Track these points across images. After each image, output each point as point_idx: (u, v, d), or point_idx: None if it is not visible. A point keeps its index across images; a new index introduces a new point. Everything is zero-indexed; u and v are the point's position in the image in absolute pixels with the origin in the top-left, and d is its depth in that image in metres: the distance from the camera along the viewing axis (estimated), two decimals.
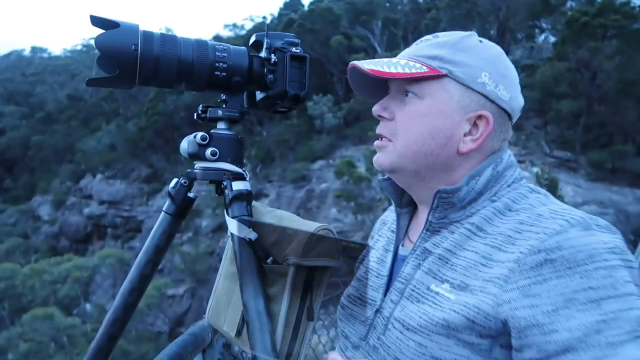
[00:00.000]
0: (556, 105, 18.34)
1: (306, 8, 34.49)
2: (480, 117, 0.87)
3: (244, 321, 1.00)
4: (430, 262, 0.87)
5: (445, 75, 0.87)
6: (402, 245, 0.98)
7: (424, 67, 0.87)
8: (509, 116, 0.90)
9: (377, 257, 1.01)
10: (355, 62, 0.92)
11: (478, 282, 0.79)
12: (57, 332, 14.06)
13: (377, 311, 0.92)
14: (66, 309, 16.94)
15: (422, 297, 0.85)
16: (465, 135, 0.87)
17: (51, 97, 47.94)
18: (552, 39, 26.61)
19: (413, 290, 0.87)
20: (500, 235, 0.81)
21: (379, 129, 0.93)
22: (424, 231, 0.90)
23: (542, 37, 29.34)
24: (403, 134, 0.89)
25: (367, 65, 0.90)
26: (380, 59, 0.92)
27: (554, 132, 19.01)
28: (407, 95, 0.90)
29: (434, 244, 0.88)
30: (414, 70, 0.87)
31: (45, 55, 72.85)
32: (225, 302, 1.07)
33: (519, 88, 0.92)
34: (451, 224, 0.88)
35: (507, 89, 0.88)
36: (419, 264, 0.88)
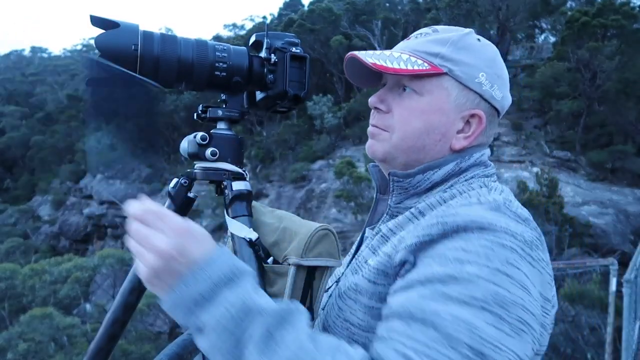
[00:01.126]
0: (556, 105, 18.34)
1: (306, 8, 34.47)
2: (473, 115, 0.89)
3: None
4: (375, 240, 0.92)
5: (445, 74, 0.88)
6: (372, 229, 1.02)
7: (426, 64, 0.88)
8: (498, 113, 0.94)
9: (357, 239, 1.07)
10: (356, 53, 0.93)
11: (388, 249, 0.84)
12: (57, 332, 14.06)
13: (337, 282, 0.98)
14: (66, 309, 16.93)
15: (358, 269, 0.90)
16: (458, 132, 0.90)
17: (51, 97, 47.89)
18: (552, 39, 26.62)
19: (357, 264, 0.93)
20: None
21: (374, 121, 0.95)
22: (385, 215, 0.96)
23: (542, 37, 29.34)
24: (400, 127, 0.91)
25: (370, 59, 0.90)
26: (382, 52, 0.92)
27: (554, 132, 19.01)
28: (404, 90, 0.91)
29: (387, 227, 0.92)
30: (415, 67, 0.88)
31: (45, 55, 72.84)
32: None
33: (509, 86, 0.95)
34: (406, 209, 0.91)
35: (500, 89, 0.91)
36: (370, 241, 0.94)
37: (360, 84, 1.02)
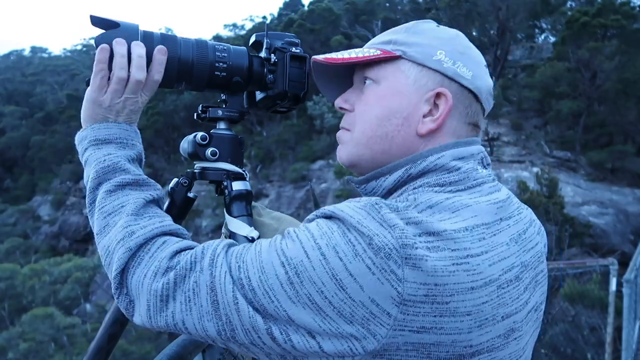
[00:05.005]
0: (556, 105, 18.35)
1: (306, 8, 34.48)
2: (439, 95, 0.82)
3: None
4: None
5: (399, 57, 0.84)
6: None
7: (378, 51, 0.85)
8: (476, 97, 0.85)
9: None
10: (315, 57, 0.90)
11: None
12: (57, 332, 14.06)
13: None
14: (66, 309, 16.93)
15: None
16: (424, 116, 0.83)
17: (51, 97, 47.91)
18: (552, 39, 26.61)
19: None
20: None
21: (342, 122, 0.91)
22: None
23: (542, 37, 29.35)
24: (359, 120, 0.86)
25: (322, 56, 0.89)
26: (340, 52, 0.91)
27: (554, 132, 19.01)
28: (365, 83, 0.87)
29: None
30: (367, 54, 0.85)
31: (45, 55, 72.80)
32: None
33: (484, 69, 0.87)
34: None
35: (467, 67, 0.83)
36: None
37: (333, 97, 0.95)
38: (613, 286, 5.92)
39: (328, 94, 0.97)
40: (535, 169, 15.06)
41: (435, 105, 0.82)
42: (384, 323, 0.68)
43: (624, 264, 6.82)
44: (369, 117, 0.85)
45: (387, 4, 32.00)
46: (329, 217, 0.73)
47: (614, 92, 17.79)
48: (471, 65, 0.84)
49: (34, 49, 74.60)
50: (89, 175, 0.91)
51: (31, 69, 59.88)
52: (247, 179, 1.05)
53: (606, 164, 17.00)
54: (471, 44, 0.88)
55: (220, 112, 1.04)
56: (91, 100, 0.94)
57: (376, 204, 0.71)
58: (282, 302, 0.69)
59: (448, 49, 0.83)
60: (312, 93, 23.65)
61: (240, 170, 1.04)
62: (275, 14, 48.79)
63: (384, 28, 27.22)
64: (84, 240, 29.39)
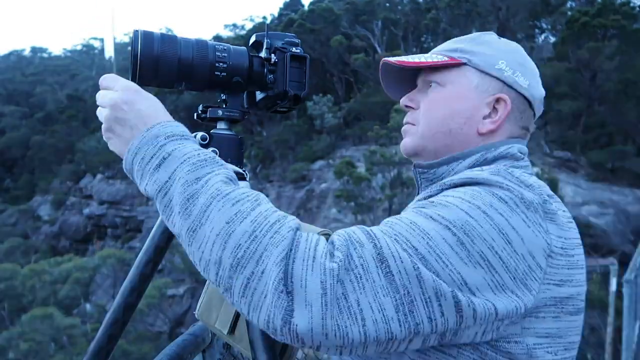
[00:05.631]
0: (556, 105, 18.33)
1: (306, 8, 34.48)
2: (498, 100, 0.91)
3: (237, 320, 1.00)
4: None
5: (464, 64, 0.93)
6: None
7: (445, 58, 0.95)
8: (530, 104, 0.94)
9: None
10: (386, 59, 1.00)
11: None
12: (57, 332, 14.06)
13: None
14: (66, 309, 16.93)
15: None
16: (484, 118, 0.92)
17: (51, 97, 47.90)
18: (552, 39, 26.63)
19: None
20: None
21: (406, 118, 1.01)
22: None
23: (542, 37, 29.37)
24: (425, 116, 0.95)
25: (394, 58, 0.98)
26: (408, 56, 0.99)
27: (554, 132, 19.01)
28: (430, 85, 0.96)
29: None
30: (435, 60, 0.94)
31: (45, 55, 72.82)
32: (218, 300, 1.07)
33: (539, 80, 0.96)
34: None
35: (525, 77, 0.93)
36: None
37: (395, 95, 1.06)
38: (613, 286, 5.92)
39: (390, 92, 1.07)
40: (535, 169, 15.02)
41: (494, 109, 0.92)
42: (537, 277, 0.73)
43: (624, 264, 6.83)
44: (436, 115, 0.94)
45: (387, 4, 31.97)
46: (466, 184, 0.78)
47: (614, 92, 17.81)
48: (528, 75, 0.94)
49: (34, 49, 74.66)
50: (175, 169, 0.76)
51: (31, 69, 59.92)
52: (247, 179, 1.04)
53: (606, 164, 17.01)
54: (528, 57, 0.98)
55: (220, 112, 1.04)
56: (151, 98, 0.87)
57: (506, 169, 0.81)
58: (456, 265, 0.68)
59: (509, 60, 0.93)
60: (312, 93, 23.67)
61: (240, 170, 1.03)
62: (276, 14, 48.80)
63: (384, 28, 27.23)
64: (84, 240, 29.41)
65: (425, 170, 0.94)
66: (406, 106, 1.00)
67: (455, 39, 0.99)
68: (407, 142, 0.98)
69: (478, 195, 0.74)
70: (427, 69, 0.96)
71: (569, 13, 22.86)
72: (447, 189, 0.80)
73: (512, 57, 0.94)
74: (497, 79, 0.92)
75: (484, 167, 0.85)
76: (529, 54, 0.99)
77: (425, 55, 0.97)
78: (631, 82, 17.28)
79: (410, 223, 0.72)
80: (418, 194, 1.01)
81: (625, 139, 18.12)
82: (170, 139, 0.79)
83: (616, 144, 17.57)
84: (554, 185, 12.50)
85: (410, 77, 1.01)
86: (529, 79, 0.94)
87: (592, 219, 13.89)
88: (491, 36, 0.98)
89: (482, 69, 0.92)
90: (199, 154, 0.77)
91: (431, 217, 0.72)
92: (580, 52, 18.00)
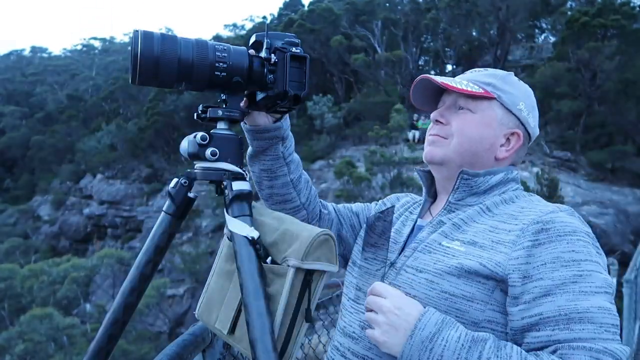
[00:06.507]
0: (556, 105, 18.31)
1: (306, 8, 34.47)
2: (513, 134, 1.13)
3: (237, 319, 1.00)
4: (444, 228, 1.09)
5: (494, 98, 1.12)
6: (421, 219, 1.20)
7: (481, 89, 1.12)
8: (529, 141, 1.18)
9: (395, 229, 1.20)
10: (428, 75, 1.15)
11: (487, 242, 1.01)
12: (57, 332, 14.05)
13: (391, 265, 1.11)
14: (66, 309, 16.92)
15: (433, 250, 1.06)
16: (501, 146, 1.13)
17: (51, 97, 47.89)
18: (552, 39, 26.60)
19: (426, 246, 1.08)
20: (505, 215, 1.06)
21: (435, 131, 1.15)
22: (442, 210, 1.13)
23: (542, 37, 29.34)
24: (458, 134, 1.12)
25: (440, 79, 1.12)
26: (446, 77, 1.15)
27: (554, 132, 18.99)
28: (460, 109, 1.13)
29: (449, 218, 1.11)
30: (475, 90, 1.11)
31: (45, 55, 72.74)
32: (218, 300, 1.07)
33: (537, 121, 1.19)
34: (465, 206, 1.11)
35: (534, 119, 1.16)
36: (434, 230, 1.11)
37: (419, 105, 1.23)
38: None
39: (415, 100, 1.23)
40: (535, 169, 15.06)
41: (508, 140, 1.14)
42: None
43: (624, 264, 6.82)
44: (467, 135, 1.12)
45: (387, 4, 31.95)
46: (569, 234, 0.98)
47: (614, 92, 17.79)
48: (535, 118, 1.18)
49: (34, 49, 74.56)
50: None
51: (31, 69, 59.85)
52: (247, 178, 1.05)
53: (606, 164, 16.99)
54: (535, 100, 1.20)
55: (220, 112, 1.04)
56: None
57: (572, 210, 1.04)
58: (615, 312, 0.93)
59: (527, 102, 1.15)
60: (312, 93, 23.66)
61: (240, 170, 1.04)
62: (275, 14, 48.75)
63: (384, 28, 27.17)
64: (84, 240, 29.39)
65: (470, 178, 1.10)
66: (437, 120, 1.15)
67: (484, 71, 1.17)
68: (437, 152, 1.14)
69: (588, 251, 0.96)
70: (463, 94, 1.12)
71: (569, 13, 22.84)
72: (554, 236, 0.97)
73: (529, 101, 1.16)
74: (516, 117, 1.13)
75: (561, 206, 1.04)
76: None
77: (464, 82, 1.14)
78: (631, 82, 17.26)
79: (599, 309, 0.90)
80: (429, 194, 1.23)
81: (625, 139, 18.11)
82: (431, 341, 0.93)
83: (616, 144, 17.55)
84: (554, 185, 12.49)
85: (436, 94, 1.19)
86: (535, 121, 1.17)
87: (592, 219, 13.88)
88: (514, 77, 1.17)
89: (507, 106, 1.12)
90: (462, 345, 0.91)
91: (596, 292, 0.91)
92: (580, 52, 17.98)
